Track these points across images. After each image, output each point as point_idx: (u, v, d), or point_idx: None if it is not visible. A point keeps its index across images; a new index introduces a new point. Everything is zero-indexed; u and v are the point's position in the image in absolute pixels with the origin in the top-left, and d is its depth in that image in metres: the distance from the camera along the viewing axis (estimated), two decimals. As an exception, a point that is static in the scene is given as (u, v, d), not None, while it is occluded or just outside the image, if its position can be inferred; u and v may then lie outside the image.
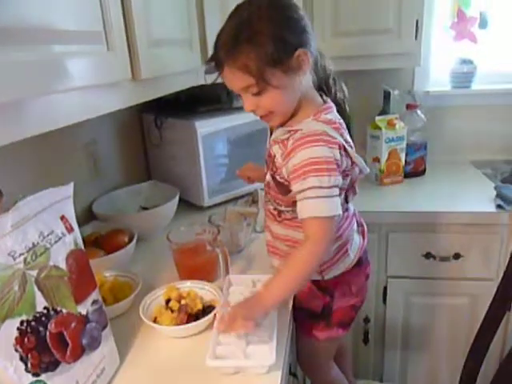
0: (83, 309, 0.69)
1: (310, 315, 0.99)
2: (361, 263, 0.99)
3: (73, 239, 0.69)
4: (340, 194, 0.82)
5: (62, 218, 0.69)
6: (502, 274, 1.05)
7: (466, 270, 1.43)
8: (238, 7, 0.80)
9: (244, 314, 0.76)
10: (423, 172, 1.72)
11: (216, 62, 0.80)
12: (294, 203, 0.85)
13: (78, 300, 0.68)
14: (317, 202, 0.78)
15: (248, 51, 0.75)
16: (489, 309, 1.08)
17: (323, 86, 0.91)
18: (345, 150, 0.82)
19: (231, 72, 0.78)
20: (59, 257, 0.65)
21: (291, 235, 0.93)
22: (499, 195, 1.40)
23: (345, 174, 0.84)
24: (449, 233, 1.41)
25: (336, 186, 0.79)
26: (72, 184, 0.71)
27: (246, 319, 0.75)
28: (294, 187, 0.80)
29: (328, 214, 0.78)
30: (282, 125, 0.88)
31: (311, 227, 0.80)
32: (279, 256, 0.98)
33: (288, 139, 0.84)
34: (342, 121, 0.87)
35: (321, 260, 0.83)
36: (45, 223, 0.64)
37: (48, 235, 0.64)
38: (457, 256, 1.41)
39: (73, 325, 0.66)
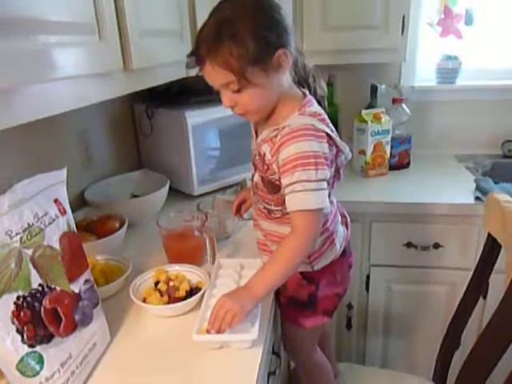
0: (76, 287, 0.73)
1: (296, 304, 1.03)
2: (345, 253, 1.03)
3: (66, 222, 0.73)
4: (328, 185, 0.85)
5: (56, 201, 0.72)
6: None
7: (445, 259, 1.49)
8: (221, 4, 0.82)
9: (236, 308, 0.77)
10: (407, 165, 1.77)
11: (197, 56, 0.81)
12: (284, 202, 0.87)
13: (71, 279, 0.72)
14: (304, 195, 0.80)
15: (230, 48, 0.77)
16: (464, 294, 1.14)
17: (303, 84, 0.94)
18: (331, 138, 0.86)
19: (212, 68, 0.80)
20: (53, 237, 0.69)
21: (281, 231, 0.95)
22: (478, 188, 1.46)
23: (331, 164, 0.87)
24: (429, 223, 1.46)
25: (323, 180, 0.82)
26: (65, 169, 0.75)
27: (238, 313, 0.77)
28: (284, 181, 0.83)
29: (315, 206, 0.81)
30: (260, 122, 0.91)
31: (298, 220, 0.83)
32: (270, 253, 0.99)
33: (276, 136, 0.86)
34: (323, 111, 0.90)
35: (307, 251, 0.85)
36: (39, 205, 0.68)
37: (42, 217, 0.68)
38: (436, 246, 1.47)
39: (66, 301, 0.70)
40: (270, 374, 0.94)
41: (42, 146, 1.19)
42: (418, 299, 1.56)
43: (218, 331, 0.77)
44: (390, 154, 1.69)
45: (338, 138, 0.88)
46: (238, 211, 1.14)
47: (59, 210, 0.72)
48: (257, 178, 0.93)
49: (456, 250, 1.47)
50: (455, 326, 1.17)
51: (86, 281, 0.76)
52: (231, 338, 0.78)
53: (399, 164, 1.75)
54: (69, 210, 0.74)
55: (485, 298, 1.30)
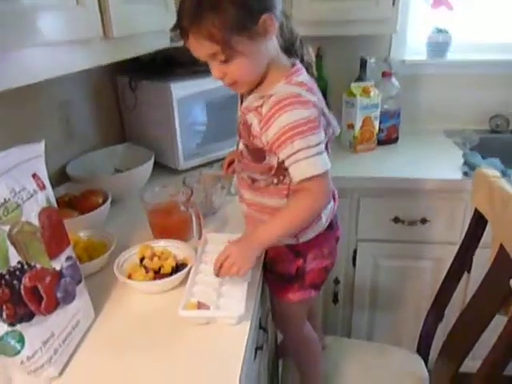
0: (57, 264, 0.70)
1: (284, 278, 1.02)
2: (332, 227, 1.03)
3: (45, 197, 0.70)
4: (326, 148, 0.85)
5: (34, 175, 0.69)
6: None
7: (431, 234, 1.49)
8: None
9: (242, 262, 0.81)
10: (396, 140, 1.75)
11: (180, 30, 0.79)
12: (269, 171, 0.87)
13: (52, 256, 0.69)
14: (309, 162, 0.80)
15: (212, 19, 0.74)
16: (449, 268, 1.15)
17: (290, 49, 0.91)
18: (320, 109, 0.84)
19: (196, 40, 0.77)
20: (31, 213, 0.66)
21: (263, 202, 0.94)
22: (466, 163, 1.46)
23: (324, 131, 0.86)
24: (417, 198, 1.46)
25: (320, 143, 0.82)
26: (43, 142, 0.71)
27: (243, 267, 0.81)
28: (282, 154, 0.82)
29: (321, 170, 0.81)
30: (251, 91, 0.88)
31: (308, 186, 0.83)
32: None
33: (262, 106, 0.84)
34: (312, 81, 0.88)
35: (318, 212, 0.89)
36: (16, 180, 0.65)
37: (20, 192, 0.65)
38: (424, 221, 1.48)
39: (47, 279, 0.68)
40: (258, 348, 0.94)
41: (19, 118, 1.14)
42: (405, 274, 1.58)
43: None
44: (379, 128, 1.67)
45: (326, 109, 0.87)
46: (228, 168, 1.14)
47: (38, 184, 0.69)
48: (241, 146, 0.92)
49: (443, 225, 1.48)
50: (440, 299, 1.18)
51: (68, 257, 0.74)
52: (218, 314, 0.77)
53: (387, 139, 1.73)
54: (48, 185, 0.71)
55: (469, 272, 1.31)
